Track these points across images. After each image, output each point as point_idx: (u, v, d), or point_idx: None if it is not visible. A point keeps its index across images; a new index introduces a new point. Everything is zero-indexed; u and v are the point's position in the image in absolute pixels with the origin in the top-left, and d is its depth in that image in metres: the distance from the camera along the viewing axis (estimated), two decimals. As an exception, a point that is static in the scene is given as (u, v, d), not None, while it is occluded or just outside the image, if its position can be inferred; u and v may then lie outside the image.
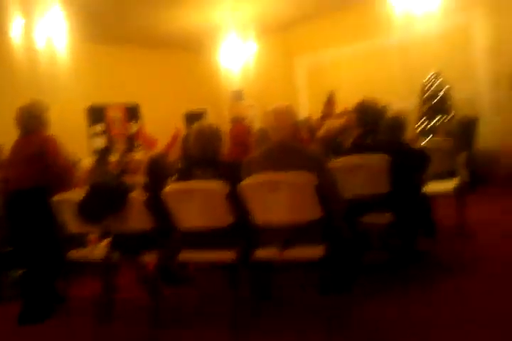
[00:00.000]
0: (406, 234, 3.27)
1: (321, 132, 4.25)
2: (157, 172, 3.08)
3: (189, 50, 9.54)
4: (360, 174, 3.02)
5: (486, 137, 7.08)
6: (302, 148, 2.52)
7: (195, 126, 2.84)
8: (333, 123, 4.64)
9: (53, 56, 5.90)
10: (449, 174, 4.23)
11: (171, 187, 2.66)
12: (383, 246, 3.52)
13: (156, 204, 2.71)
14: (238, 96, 10.25)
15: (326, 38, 8.65)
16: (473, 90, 7.27)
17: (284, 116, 2.54)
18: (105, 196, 2.79)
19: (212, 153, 2.74)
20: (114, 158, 5.41)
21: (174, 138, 5.70)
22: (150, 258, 2.88)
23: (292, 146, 2.51)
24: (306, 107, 9.11)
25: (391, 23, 6.46)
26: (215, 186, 2.52)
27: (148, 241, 2.87)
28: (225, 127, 7.47)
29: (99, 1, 6.25)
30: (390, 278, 3.15)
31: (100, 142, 8.36)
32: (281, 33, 9.19)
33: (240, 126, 7.57)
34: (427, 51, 7.31)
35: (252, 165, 2.55)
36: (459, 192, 3.99)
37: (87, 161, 5.48)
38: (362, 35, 8.13)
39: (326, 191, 2.41)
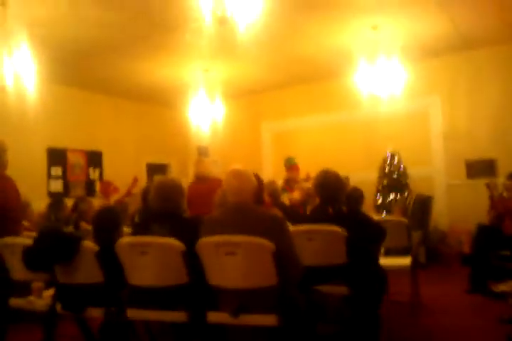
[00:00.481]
0: (360, 307, 3.24)
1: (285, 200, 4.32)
2: (106, 222, 2.97)
3: (158, 103, 9.68)
4: (318, 243, 3.03)
5: (439, 216, 7.34)
6: (262, 211, 2.52)
7: (157, 179, 2.82)
8: (293, 196, 4.74)
9: (18, 95, 5.85)
10: (404, 250, 4.31)
11: (125, 240, 2.57)
12: (337, 318, 3.46)
13: (108, 257, 2.59)
14: (204, 152, 10.34)
15: (294, 106, 9.01)
16: (429, 171, 7.61)
17: (245, 179, 2.54)
18: (54, 244, 2.66)
19: (172, 208, 2.69)
20: (69, 203, 5.26)
21: (131, 187, 5.62)
22: (96, 313, 2.72)
23: (252, 209, 2.50)
24: (270, 170, 9.26)
25: (356, 99, 6.80)
26: (171, 243, 2.46)
27: (96, 296, 2.72)
28: (189, 182, 7.44)
29: (74, 45, 6.34)
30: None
31: (58, 185, 8.14)
32: (251, 97, 9.51)
33: (205, 182, 7.53)
34: (388, 129, 7.71)
35: (211, 225, 2.51)
36: (413, 269, 4.06)
37: (41, 204, 5.30)
38: (328, 107, 8.53)
39: (284, 257, 2.38)
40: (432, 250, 7.00)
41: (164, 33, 6.00)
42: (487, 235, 4.92)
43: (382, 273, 3.49)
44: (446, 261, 6.69)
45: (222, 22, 3.42)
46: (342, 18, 5.81)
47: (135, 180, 5.88)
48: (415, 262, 4.15)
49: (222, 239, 2.37)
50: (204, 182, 5.45)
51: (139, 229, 2.68)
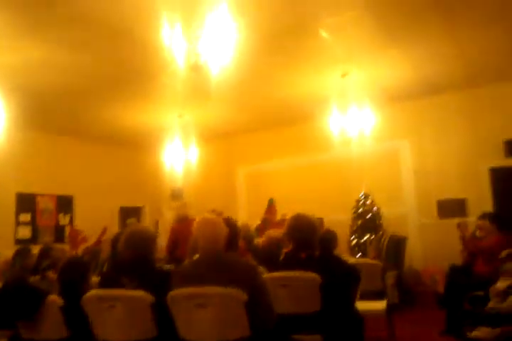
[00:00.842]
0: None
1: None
2: (73, 274, 2.87)
3: (131, 146, 9.69)
4: (292, 290, 2.98)
5: (413, 256, 7.37)
6: (234, 260, 2.48)
7: (128, 228, 2.76)
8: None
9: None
10: (379, 293, 4.28)
11: (92, 293, 2.48)
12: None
13: (74, 311, 2.49)
14: (178, 195, 10.27)
15: (268, 149, 9.12)
16: (401, 211, 7.70)
17: (215, 227, 2.52)
18: (18, 300, 2.54)
19: (142, 258, 2.63)
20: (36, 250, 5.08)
21: (100, 236, 5.50)
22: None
23: (224, 257, 2.47)
24: (245, 212, 9.23)
25: (328, 141, 6.93)
26: (140, 295, 2.38)
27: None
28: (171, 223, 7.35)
29: (47, 91, 6.36)
30: None
31: (26, 232, 7.91)
32: (226, 140, 9.62)
33: (189, 222, 7.45)
34: (360, 170, 7.82)
35: (182, 276, 2.46)
36: (389, 312, 4.02)
37: (6, 253, 5.10)
38: (301, 149, 8.66)
39: (257, 306, 2.33)
40: (407, 290, 6.98)
41: (138, 79, 6.08)
42: (459, 276, 4.93)
43: (359, 318, 3.44)
44: (422, 301, 6.66)
45: (196, 69, 3.49)
46: (313, 65, 6.02)
47: (104, 230, 5.75)
48: (390, 305, 4.11)
49: (193, 291, 2.32)
50: (187, 222, 5.49)
51: (107, 280, 2.59)
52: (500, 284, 3.70)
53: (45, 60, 5.36)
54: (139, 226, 2.83)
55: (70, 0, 4.06)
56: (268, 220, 7.15)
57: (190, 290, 2.33)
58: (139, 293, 2.40)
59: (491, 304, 3.65)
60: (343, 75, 6.29)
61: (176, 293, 2.35)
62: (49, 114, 7.44)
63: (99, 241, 5.48)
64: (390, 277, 6.45)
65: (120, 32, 4.72)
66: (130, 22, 4.52)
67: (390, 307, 4.07)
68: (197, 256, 2.57)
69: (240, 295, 2.25)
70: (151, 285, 2.45)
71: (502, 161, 6.97)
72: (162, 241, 6.61)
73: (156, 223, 8.24)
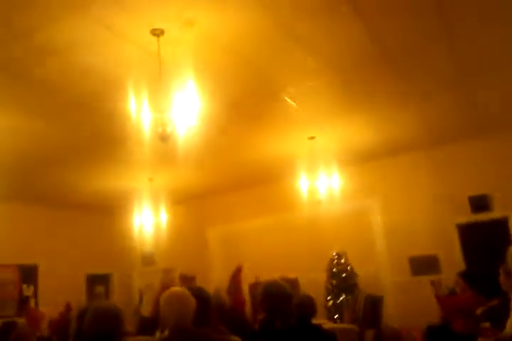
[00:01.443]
0: None
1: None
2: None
3: (99, 211, 9.51)
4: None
5: (390, 315, 7.24)
6: (207, 337, 2.37)
7: (93, 306, 2.62)
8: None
9: None
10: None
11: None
12: None
13: None
14: (149, 259, 10.00)
15: (239, 210, 9.10)
16: (375, 269, 7.66)
17: (183, 301, 2.41)
18: None
19: (110, 336, 2.48)
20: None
21: (64, 312, 5.25)
22: None
23: (196, 335, 2.35)
24: (219, 273, 9.01)
25: (299, 201, 6.98)
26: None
27: None
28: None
29: (10, 159, 6.25)
30: None
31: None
32: (196, 202, 9.59)
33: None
34: (331, 230, 7.85)
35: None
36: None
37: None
38: (272, 209, 8.67)
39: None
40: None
41: (106, 145, 6.09)
42: (438, 336, 4.85)
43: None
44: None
45: (163, 139, 3.52)
46: (280, 128, 6.20)
47: (68, 306, 5.51)
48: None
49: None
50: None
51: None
52: (479, 345, 3.64)
53: (6, 127, 5.28)
54: (104, 303, 2.69)
55: (34, 68, 4.09)
56: (232, 289, 7.03)
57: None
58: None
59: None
60: (310, 138, 6.49)
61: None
62: (12, 181, 7.24)
63: (63, 317, 5.21)
64: (369, 337, 6.30)
65: (85, 100, 4.78)
66: (95, 91, 4.60)
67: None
68: (165, 333, 2.45)
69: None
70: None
71: (468, 217, 7.12)
72: (147, 313, 6.32)
73: (140, 292, 7.94)
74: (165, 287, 6.49)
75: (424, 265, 7.27)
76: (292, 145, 6.76)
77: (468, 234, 7.15)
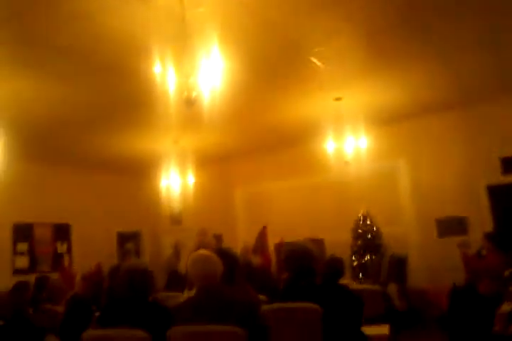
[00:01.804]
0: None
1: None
2: (75, 317, 2.84)
3: (128, 173, 9.69)
4: (292, 322, 2.94)
5: (415, 275, 7.30)
6: (233, 298, 2.43)
7: (125, 265, 2.71)
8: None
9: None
10: (381, 318, 4.22)
11: (90, 333, 2.43)
12: None
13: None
14: (176, 220, 10.23)
15: (265, 172, 9.12)
16: (401, 230, 7.66)
17: (209, 264, 2.48)
18: (18, 337, 2.50)
19: (140, 295, 2.58)
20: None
21: (95, 274, 5.41)
22: None
23: (221, 296, 2.42)
24: (244, 235, 9.18)
25: (325, 163, 6.95)
26: (139, 335, 2.34)
27: None
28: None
29: (41, 123, 6.38)
30: None
31: (24, 261, 7.84)
32: (222, 164, 9.62)
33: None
34: (358, 191, 7.82)
35: (179, 314, 2.41)
36: (393, 336, 3.96)
37: (4, 284, 5.04)
38: (299, 171, 8.65)
39: (257, 343, 2.29)
40: (411, 309, 6.90)
41: (131, 108, 6.11)
42: (462, 297, 4.87)
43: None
44: (425, 319, 6.57)
45: (189, 103, 3.49)
46: (306, 90, 6.06)
47: (98, 267, 5.68)
48: (394, 329, 4.04)
49: (193, 329, 2.28)
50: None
51: (105, 317, 2.54)
52: (505, 307, 3.64)
53: (37, 93, 5.38)
54: (135, 263, 2.77)
55: (62, 33, 4.09)
56: (259, 249, 7.17)
57: (190, 328, 2.29)
58: (138, 332, 2.35)
59: (496, 328, 3.59)
60: (337, 99, 6.35)
61: (176, 330, 2.30)
62: (45, 144, 7.45)
63: (95, 276, 5.40)
64: (392, 289, 6.40)
65: (112, 64, 4.78)
66: (121, 55, 4.58)
67: (394, 332, 4.00)
68: (193, 292, 2.53)
69: (240, 333, 2.20)
70: (149, 323, 2.41)
71: (499, 179, 6.97)
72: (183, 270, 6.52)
73: (178, 251, 8.21)
74: (201, 247, 6.67)
75: (451, 226, 7.22)
76: (318, 106, 6.62)
77: (498, 196, 7.02)
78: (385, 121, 7.59)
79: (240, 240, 8.73)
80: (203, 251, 2.59)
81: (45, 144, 7.42)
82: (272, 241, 8.01)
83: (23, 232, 7.96)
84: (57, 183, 8.65)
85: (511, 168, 6.88)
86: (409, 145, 7.80)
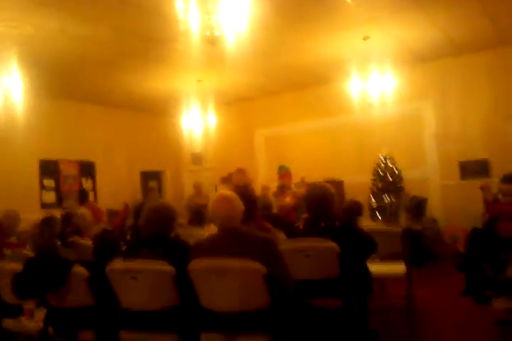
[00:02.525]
0: (355, 318, 3.23)
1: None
2: (107, 249, 2.96)
3: (150, 112, 9.69)
4: (311, 259, 3.02)
5: (435, 217, 7.35)
6: (252, 234, 2.50)
7: (148, 205, 2.78)
8: (286, 201, 4.69)
9: (8, 110, 5.85)
10: (399, 256, 4.32)
11: (116, 265, 2.55)
12: (332, 329, 3.45)
13: (100, 282, 2.58)
14: (197, 159, 10.34)
15: (287, 112, 9.01)
16: (423, 172, 7.61)
17: (231, 205, 2.52)
18: (45, 272, 2.63)
19: (163, 232, 2.67)
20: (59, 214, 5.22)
21: (123, 215, 5.56)
22: (88, 336, 2.70)
23: (241, 233, 2.49)
24: (264, 175, 9.28)
25: (349, 104, 6.81)
26: (162, 268, 2.44)
27: (88, 319, 2.70)
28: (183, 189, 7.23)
29: (65, 60, 6.35)
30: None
31: (51, 197, 8.12)
32: (244, 104, 9.51)
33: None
34: (381, 133, 7.71)
35: (200, 250, 2.50)
36: (408, 274, 4.07)
37: (33, 217, 5.26)
38: (321, 112, 8.53)
39: (276, 279, 2.37)
40: (428, 249, 7.01)
41: (156, 46, 6.02)
42: (481, 239, 4.90)
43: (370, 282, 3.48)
44: (442, 259, 6.70)
45: (211, 42, 3.40)
46: (333, 28, 5.83)
47: (125, 207, 5.82)
48: (410, 267, 4.14)
49: (212, 263, 2.36)
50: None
51: (130, 252, 2.65)
52: (523, 249, 3.66)
53: (61, 30, 5.33)
54: (159, 204, 2.84)
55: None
56: (284, 186, 7.20)
57: (211, 261, 2.37)
58: (161, 266, 2.45)
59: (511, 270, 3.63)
60: (365, 38, 6.09)
61: (197, 264, 2.39)
62: (70, 82, 7.44)
63: (123, 218, 5.57)
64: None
65: (134, 1, 4.67)
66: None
67: (409, 270, 4.10)
68: (215, 229, 2.59)
69: (260, 267, 2.28)
70: (172, 257, 2.51)
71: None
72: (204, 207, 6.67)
73: (199, 189, 8.42)
74: (239, 184, 6.77)
75: (474, 169, 7.16)
76: (345, 45, 6.39)
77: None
78: (414, 61, 7.32)
79: (260, 181, 8.83)
80: (225, 193, 2.62)
81: (70, 81, 7.41)
82: (292, 182, 8.08)
83: (49, 169, 8.17)
84: (83, 121, 8.75)
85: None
86: (437, 87, 7.55)
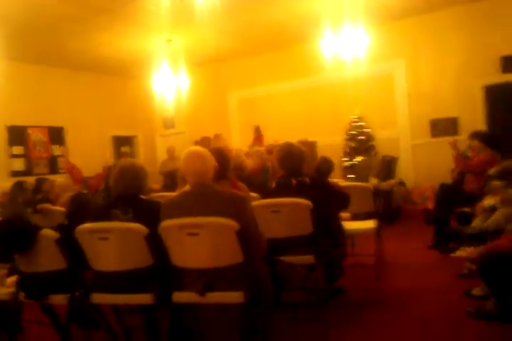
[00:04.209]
0: (326, 274, 3.33)
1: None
2: (81, 211, 2.94)
3: (120, 74, 9.41)
4: (283, 215, 3.07)
5: (405, 176, 7.51)
6: (223, 192, 2.49)
7: (119, 163, 2.75)
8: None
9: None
10: (370, 214, 4.43)
11: (86, 226, 2.53)
12: (302, 286, 3.57)
13: (70, 244, 2.57)
14: (170, 123, 10.21)
15: (260, 73, 8.89)
16: (394, 132, 7.70)
17: (203, 160, 2.49)
18: (12, 236, 2.60)
19: (134, 192, 2.65)
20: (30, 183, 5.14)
21: (101, 178, 5.50)
22: (60, 300, 2.71)
23: (212, 190, 2.48)
24: (238, 137, 9.25)
25: (321, 64, 6.75)
26: (134, 227, 2.44)
27: (60, 282, 2.70)
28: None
29: (27, 19, 6.04)
30: (308, 317, 3.20)
31: (20, 164, 7.96)
32: (216, 65, 9.32)
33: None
34: (353, 93, 7.71)
35: (171, 207, 2.49)
36: (378, 230, 4.19)
37: (4, 184, 5.18)
38: (293, 73, 8.44)
39: (247, 235, 2.40)
40: (398, 208, 7.22)
41: (124, 3, 5.77)
42: (448, 193, 5.05)
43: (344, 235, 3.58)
44: (411, 217, 6.91)
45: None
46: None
47: (105, 170, 5.76)
48: (380, 224, 4.25)
49: (184, 220, 2.37)
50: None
51: (101, 213, 2.64)
52: (486, 201, 3.79)
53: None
54: (129, 161, 2.80)
55: None
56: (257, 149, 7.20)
57: (182, 220, 2.37)
58: (133, 225, 2.45)
59: (476, 221, 3.77)
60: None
61: (168, 223, 2.39)
62: (32, 43, 7.13)
63: (100, 180, 5.51)
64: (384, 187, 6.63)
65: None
66: None
67: (379, 227, 4.22)
68: (187, 187, 2.59)
69: (232, 223, 2.30)
70: (144, 217, 2.50)
71: (497, 78, 6.84)
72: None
73: (172, 154, 8.37)
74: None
75: (444, 127, 7.26)
76: (317, 1, 6.24)
77: (494, 96, 6.97)
78: (386, 19, 7.26)
79: (234, 143, 8.82)
80: (196, 148, 2.60)
81: (34, 43, 7.09)
82: (265, 144, 8.09)
83: (17, 135, 7.96)
84: (49, 85, 8.46)
85: (511, 66, 6.73)
86: (409, 44, 7.52)
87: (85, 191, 4.86)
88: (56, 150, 8.55)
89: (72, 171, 5.73)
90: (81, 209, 3.06)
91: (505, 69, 6.78)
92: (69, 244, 2.57)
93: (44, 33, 6.70)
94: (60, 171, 8.20)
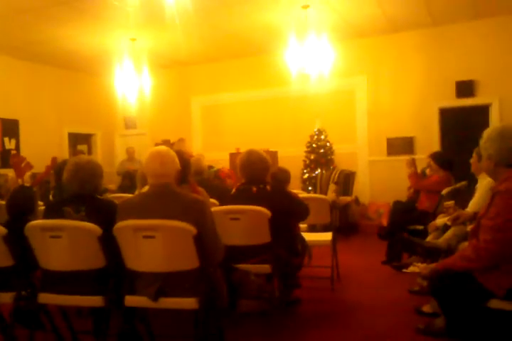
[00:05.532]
0: (283, 284, 3.32)
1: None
2: (22, 205, 2.80)
3: (81, 69, 9.18)
4: (242, 223, 3.04)
5: (361, 191, 7.66)
6: (183, 194, 2.44)
7: (73, 159, 2.64)
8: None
9: None
10: (326, 226, 4.47)
11: (37, 223, 2.42)
12: (258, 295, 3.53)
13: (18, 241, 2.44)
14: (131, 123, 10.00)
15: (224, 81, 8.89)
16: (353, 147, 7.86)
17: (166, 161, 2.42)
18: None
19: (88, 190, 2.56)
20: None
21: (50, 167, 5.27)
22: (5, 298, 2.57)
23: (173, 192, 2.42)
24: (200, 142, 9.18)
25: (285, 76, 6.81)
26: (88, 227, 2.35)
27: (5, 280, 2.57)
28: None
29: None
30: (262, 327, 3.18)
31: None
32: (181, 69, 9.26)
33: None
34: (316, 106, 7.83)
35: (128, 208, 2.41)
36: (334, 244, 4.23)
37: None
38: (258, 83, 8.50)
39: (205, 240, 2.35)
40: (353, 223, 7.34)
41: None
42: (402, 211, 5.17)
43: (304, 246, 3.59)
44: (366, 233, 7.03)
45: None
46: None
47: (54, 160, 5.54)
48: (335, 236, 4.29)
49: (140, 222, 2.30)
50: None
51: (53, 211, 2.52)
52: (439, 220, 3.90)
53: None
54: (84, 158, 2.70)
55: None
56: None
57: (138, 221, 2.30)
58: (86, 224, 2.35)
59: (428, 239, 3.87)
60: (305, 7, 6.07)
61: (124, 224, 2.32)
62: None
63: (48, 171, 5.29)
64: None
65: None
66: None
67: (335, 240, 4.26)
68: (146, 188, 2.52)
69: (189, 228, 2.25)
70: (96, 216, 2.42)
71: (452, 102, 7.14)
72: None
73: (131, 155, 8.18)
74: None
75: (400, 146, 7.48)
76: (284, 14, 6.35)
77: (449, 119, 7.27)
78: (350, 36, 7.46)
79: (195, 149, 8.74)
80: (159, 148, 2.53)
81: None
82: (227, 152, 8.04)
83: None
84: (5, 76, 8.11)
85: (465, 91, 7.02)
86: (372, 62, 7.74)
87: (27, 184, 4.67)
88: (8, 143, 8.19)
89: (18, 164, 5.48)
90: (21, 203, 2.90)
91: (459, 93, 7.08)
92: (14, 241, 2.45)
93: (2, 22, 6.43)
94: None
